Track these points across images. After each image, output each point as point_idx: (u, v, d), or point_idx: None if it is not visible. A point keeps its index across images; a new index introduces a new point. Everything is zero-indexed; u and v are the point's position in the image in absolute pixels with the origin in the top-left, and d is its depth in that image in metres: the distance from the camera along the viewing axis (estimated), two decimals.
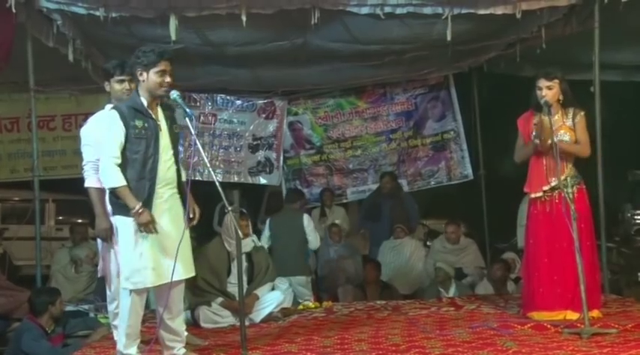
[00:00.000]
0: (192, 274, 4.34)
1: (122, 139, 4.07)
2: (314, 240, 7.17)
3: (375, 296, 7.11)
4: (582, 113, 5.15)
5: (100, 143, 4.19)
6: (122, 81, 4.54)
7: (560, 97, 5.10)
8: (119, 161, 4.06)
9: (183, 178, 4.33)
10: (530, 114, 5.21)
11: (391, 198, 8.68)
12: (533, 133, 5.07)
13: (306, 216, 7.32)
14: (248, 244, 5.79)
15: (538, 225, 5.18)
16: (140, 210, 4.00)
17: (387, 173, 9.14)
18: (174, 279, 4.12)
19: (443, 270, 7.16)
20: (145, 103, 4.18)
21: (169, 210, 4.19)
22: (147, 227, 4.01)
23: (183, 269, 4.17)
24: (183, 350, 4.34)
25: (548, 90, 5.05)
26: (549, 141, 4.95)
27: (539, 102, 5.10)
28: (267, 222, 7.39)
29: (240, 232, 4.37)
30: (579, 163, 5.21)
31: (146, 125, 4.14)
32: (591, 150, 5.29)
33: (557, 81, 5.07)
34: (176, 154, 4.30)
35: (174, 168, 4.25)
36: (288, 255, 6.95)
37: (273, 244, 7.16)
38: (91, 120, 4.65)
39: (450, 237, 7.85)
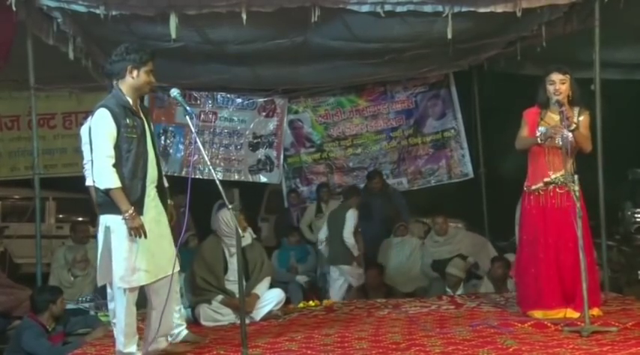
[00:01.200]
0: (178, 269, 4.45)
1: (115, 138, 4.04)
2: (347, 236, 7.49)
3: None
4: (587, 112, 5.16)
5: (92, 142, 4.15)
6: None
7: (570, 94, 5.10)
8: (114, 161, 4.03)
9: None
10: (537, 110, 5.19)
11: (380, 196, 8.69)
12: (542, 131, 5.06)
13: (350, 212, 7.58)
14: (246, 238, 5.77)
15: (532, 220, 5.17)
16: (133, 214, 4.01)
17: (376, 172, 9.11)
18: (165, 275, 4.23)
19: (456, 277, 7.14)
20: (130, 102, 4.18)
21: (155, 207, 4.24)
22: (137, 231, 4.02)
23: (170, 265, 4.27)
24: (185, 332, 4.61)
25: (562, 85, 5.05)
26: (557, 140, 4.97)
27: (545, 99, 5.09)
28: (327, 215, 8.12)
29: (240, 229, 4.37)
30: (579, 161, 5.21)
31: (135, 123, 4.14)
32: (592, 148, 5.29)
33: (568, 76, 5.08)
34: (157, 153, 4.33)
35: (157, 166, 4.28)
36: (336, 246, 7.59)
37: (329, 236, 7.72)
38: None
39: (441, 228, 7.86)
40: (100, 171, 4.04)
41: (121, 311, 4.15)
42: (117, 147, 4.05)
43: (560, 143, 4.96)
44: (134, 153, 4.08)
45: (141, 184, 4.11)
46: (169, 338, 4.79)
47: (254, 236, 6.07)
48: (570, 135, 4.98)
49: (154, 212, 4.21)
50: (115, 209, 4.04)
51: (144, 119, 4.24)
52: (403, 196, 9.07)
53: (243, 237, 4.58)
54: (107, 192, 4.03)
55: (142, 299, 4.34)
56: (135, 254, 4.07)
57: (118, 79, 4.21)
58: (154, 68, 4.23)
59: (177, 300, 4.77)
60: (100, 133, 4.05)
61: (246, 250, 5.76)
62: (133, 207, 4.01)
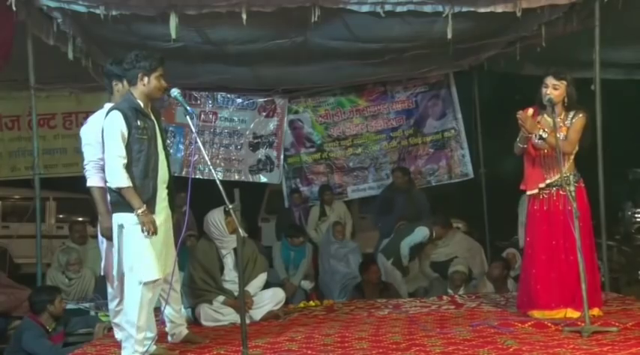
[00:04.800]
0: (177, 278, 4.64)
1: (127, 139, 4.16)
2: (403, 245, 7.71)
3: (375, 297, 7.08)
4: (581, 115, 5.09)
5: (104, 143, 4.25)
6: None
7: (565, 100, 5.09)
8: (125, 161, 4.16)
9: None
10: (534, 110, 5.19)
11: (403, 192, 8.69)
12: (520, 135, 5.08)
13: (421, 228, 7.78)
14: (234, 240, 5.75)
15: (536, 222, 5.18)
16: (145, 211, 4.13)
17: (399, 168, 9.16)
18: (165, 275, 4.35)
19: (462, 273, 7.11)
20: (142, 104, 4.30)
21: (165, 208, 4.37)
22: (150, 226, 4.14)
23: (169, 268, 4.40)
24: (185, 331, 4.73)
25: (554, 90, 5.04)
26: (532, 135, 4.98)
27: (540, 101, 5.10)
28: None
29: (241, 230, 4.37)
30: (579, 161, 5.21)
31: (146, 125, 4.27)
32: (592, 148, 5.27)
33: (564, 82, 5.05)
34: (167, 154, 4.46)
35: (167, 168, 4.41)
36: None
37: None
38: (91, 119, 4.69)
39: (438, 234, 7.83)
40: (112, 171, 4.18)
41: (134, 307, 4.18)
42: (128, 148, 4.18)
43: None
44: (145, 153, 4.21)
45: (152, 184, 4.24)
46: (170, 338, 4.80)
47: (246, 234, 6.06)
48: (531, 137, 5.01)
49: (165, 212, 4.35)
50: (127, 207, 4.16)
51: (155, 121, 4.37)
52: (427, 200, 9.00)
53: (245, 237, 4.56)
54: (119, 191, 4.16)
55: None
56: (147, 249, 4.17)
57: (130, 85, 4.34)
58: (164, 72, 4.35)
59: (177, 300, 4.78)
60: (111, 134, 4.18)
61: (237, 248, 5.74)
62: (145, 205, 4.14)
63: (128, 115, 4.19)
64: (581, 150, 5.15)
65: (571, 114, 5.11)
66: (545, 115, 5.10)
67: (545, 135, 4.95)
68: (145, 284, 4.17)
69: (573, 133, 5.07)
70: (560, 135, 5.03)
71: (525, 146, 5.12)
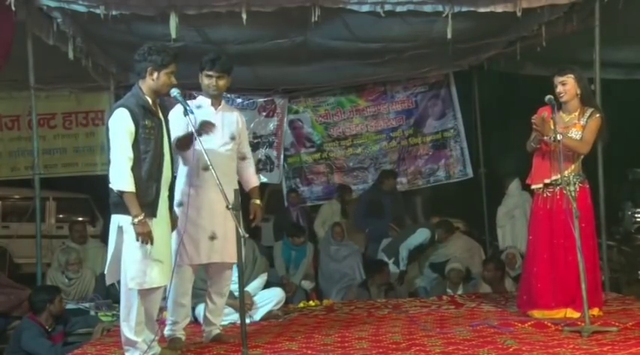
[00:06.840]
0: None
1: (134, 138, 3.99)
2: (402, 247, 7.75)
3: (380, 296, 7.08)
4: (598, 115, 5.08)
5: (110, 141, 4.09)
6: (210, 76, 4.59)
7: (578, 91, 5.07)
8: (132, 162, 3.97)
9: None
10: (546, 109, 5.15)
11: (390, 194, 8.72)
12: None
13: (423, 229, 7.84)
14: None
15: (538, 221, 5.18)
16: (143, 220, 3.94)
17: (389, 171, 9.18)
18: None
19: (460, 271, 7.11)
20: (150, 101, 4.13)
21: (166, 210, 4.22)
22: (145, 237, 3.95)
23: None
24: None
25: (562, 86, 5.04)
26: (547, 138, 4.97)
27: (558, 101, 5.07)
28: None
29: (241, 230, 4.35)
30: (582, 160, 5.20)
31: (153, 124, 4.09)
32: (592, 148, 5.26)
33: (570, 75, 5.04)
34: (172, 154, 4.28)
35: (170, 168, 4.24)
36: None
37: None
38: None
39: (442, 239, 7.84)
40: (117, 172, 3.98)
41: (133, 311, 4.07)
42: (134, 147, 3.99)
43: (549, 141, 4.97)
44: (151, 154, 4.04)
45: (156, 186, 4.07)
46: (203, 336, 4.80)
47: (246, 234, 6.05)
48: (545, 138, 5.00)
49: (165, 214, 4.19)
50: (128, 210, 3.97)
51: (162, 119, 4.19)
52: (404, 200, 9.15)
53: (245, 237, 4.53)
54: (120, 193, 3.97)
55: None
56: (148, 255, 4.00)
57: (138, 78, 4.16)
58: (176, 69, 4.18)
59: (219, 295, 4.87)
60: (119, 133, 3.99)
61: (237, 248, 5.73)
62: (143, 214, 3.95)
63: (135, 113, 3.99)
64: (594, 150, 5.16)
65: (588, 112, 5.09)
66: (561, 113, 5.10)
67: (560, 138, 4.90)
68: (144, 291, 4.06)
69: (589, 134, 5.06)
70: (572, 131, 5.03)
71: (539, 146, 5.11)
